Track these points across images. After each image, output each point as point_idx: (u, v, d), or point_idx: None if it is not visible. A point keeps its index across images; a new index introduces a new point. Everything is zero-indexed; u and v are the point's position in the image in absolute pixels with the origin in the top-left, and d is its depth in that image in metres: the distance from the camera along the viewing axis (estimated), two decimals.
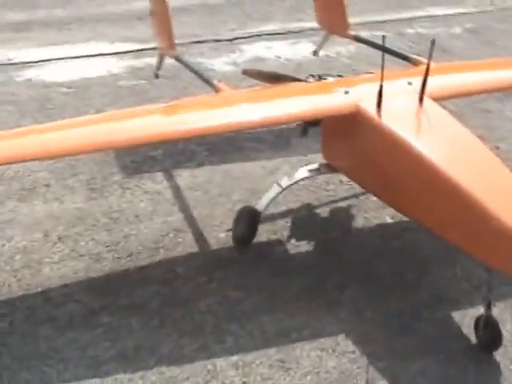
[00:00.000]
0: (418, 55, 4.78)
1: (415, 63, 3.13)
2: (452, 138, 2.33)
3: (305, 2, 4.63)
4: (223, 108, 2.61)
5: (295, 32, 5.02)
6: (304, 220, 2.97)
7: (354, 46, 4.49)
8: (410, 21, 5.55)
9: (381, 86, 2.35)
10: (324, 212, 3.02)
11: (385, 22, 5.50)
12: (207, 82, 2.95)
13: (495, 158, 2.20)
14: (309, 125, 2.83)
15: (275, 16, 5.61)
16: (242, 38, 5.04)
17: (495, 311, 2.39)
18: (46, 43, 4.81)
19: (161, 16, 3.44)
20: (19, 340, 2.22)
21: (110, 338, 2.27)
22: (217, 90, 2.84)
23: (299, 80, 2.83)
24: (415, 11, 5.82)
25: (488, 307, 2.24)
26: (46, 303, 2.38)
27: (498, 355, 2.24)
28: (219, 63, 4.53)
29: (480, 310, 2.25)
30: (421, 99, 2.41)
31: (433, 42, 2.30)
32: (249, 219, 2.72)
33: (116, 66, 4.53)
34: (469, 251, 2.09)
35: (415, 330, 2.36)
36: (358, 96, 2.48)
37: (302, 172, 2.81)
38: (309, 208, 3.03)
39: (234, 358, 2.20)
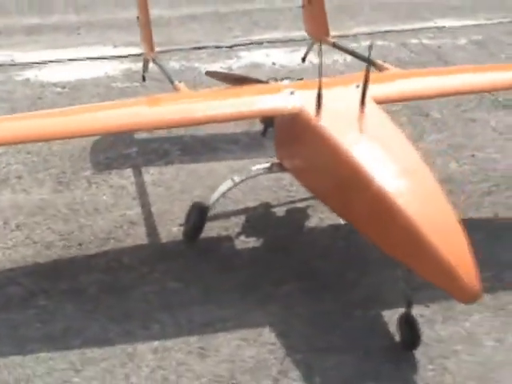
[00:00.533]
0: (420, 65, 4.82)
1: (380, 68, 3.17)
2: (383, 141, 2.37)
3: None
4: (174, 105, 2.72)
5: (296, 40, 5.08)
6: (258, 218, 3.03)
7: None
8: (416, 32, 5.54)
9: (319, 88, 2.42)
10: (280, 211, 3.06)
11: (390, 32, 5.50)
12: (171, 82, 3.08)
13: (422, 163, 2.23)
14: (268, 125, 2.91)
15: (281, 24, 5.68)
16: (243, 44, 5.13)
17: (428, 312, 2.42)
18: (53, 46, 5.00)
19: (142, 20, 3.57)
20: None
21: (43, 319, 2.37)
22: (176, 89, 2.95)
23: (261, 82, 2.92)
24: (424, 22, 5.81)
25: (408, 306, 2.24)
26: None
27: (419, 353, 2.24)
28: (214, 68, 4.63)
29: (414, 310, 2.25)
30: (362, 102, 2.45)
31: (370, 47, 2.37)
32: (197, 214, 2.79)
33: (114, 68, 4.68)
34: (390, 252, 2.12)
35: (343, 328, 2.38)
36: (302, 98, 2.54)
37: (255, 169, 2.88)
38: (266, 207, 3.08)
39: (155, 343, 2.27)
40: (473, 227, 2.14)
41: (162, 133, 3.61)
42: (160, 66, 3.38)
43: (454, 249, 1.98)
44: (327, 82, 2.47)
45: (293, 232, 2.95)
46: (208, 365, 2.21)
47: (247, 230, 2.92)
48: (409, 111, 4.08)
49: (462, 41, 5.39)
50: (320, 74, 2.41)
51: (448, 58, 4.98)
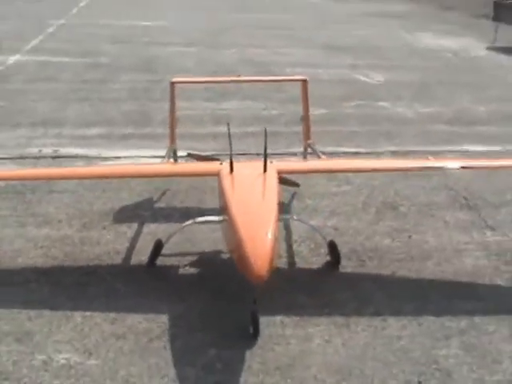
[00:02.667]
0: None
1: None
2: (252, 196, 3.57)
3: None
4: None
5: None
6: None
7: None
8: (438, 153, 6.45)
9: (230, 158, 3.71)
10: None
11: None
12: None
13: (268, 207, 3.44)
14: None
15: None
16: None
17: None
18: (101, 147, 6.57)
19: (170, 117, 5.11)
20: None
21: None
22: None
23: (212, 159, 4.31)
24: (451, 146, 6.75)
25: (254, 302, 3.30)
26: None
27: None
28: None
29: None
30: (265, 170, 3.70)
31: (265, 130, 3.68)
32: (154, 247, 4.09)
33: None
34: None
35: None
36: (226, 166, 3.83)
37: (203, 218, 4.12)
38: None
39: None
40: None
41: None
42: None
43: (257, 250, 3.08)
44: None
45: None
46: None
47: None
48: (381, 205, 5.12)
49: None
50: (230, 149, 3.70)
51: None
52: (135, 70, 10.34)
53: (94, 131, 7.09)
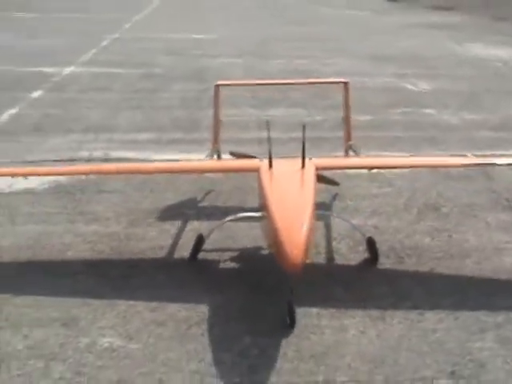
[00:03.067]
0: None
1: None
2: (289, 190, 3.68)
3: None
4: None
5: None
6: None
7: None
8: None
9: (269, 154, 3.82)
10: None
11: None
12: None
13: (305, 200, 3.53)
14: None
15: None
16: None
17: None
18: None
19: (214, 119, 5.25)
20: None
21: None
22: None
23: (253, 157, 4.42)
24: (496, 151, 6.70)
25: (290, 293, 3.41)
26: None
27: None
28: None
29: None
30: (303, 165, 3.81)
31: (303, 126, 3.79)
32: (196, 242, 4.23)
33: None
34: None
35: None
36: (266, 162, 3.95)
37: (243, 214, 4.24)
38: None
39: None
40: None
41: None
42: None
43: (292, 239, 3.17)
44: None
45: None
46: None
47: None
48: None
49: None
50: (269, 145, 3.82)
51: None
52: (186, 80, 10.59)
53: (144, 136, 7.31)
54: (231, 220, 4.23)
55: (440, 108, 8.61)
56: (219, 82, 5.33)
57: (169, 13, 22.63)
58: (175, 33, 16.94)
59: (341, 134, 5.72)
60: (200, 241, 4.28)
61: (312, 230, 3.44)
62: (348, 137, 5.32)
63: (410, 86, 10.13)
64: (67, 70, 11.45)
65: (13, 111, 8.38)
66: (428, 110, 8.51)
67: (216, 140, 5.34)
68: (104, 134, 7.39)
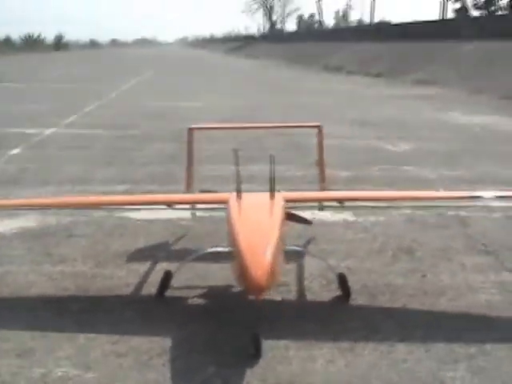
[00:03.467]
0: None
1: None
2: (257, 219, 3.65)
3: None
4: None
5: None
6: None
7: None
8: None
9: (238, 185, 3.79)
10: None
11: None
12: None
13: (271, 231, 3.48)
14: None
15: None
16: None
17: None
18: None
19: (187, 162, 5.22)
20: None
21: None
22: None
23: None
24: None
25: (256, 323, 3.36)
26: None
27: None
28: None
29: None
30: (271, 197, 3.78)
31: (271, 158, 3.77)
32: (163, 278, 4.15)
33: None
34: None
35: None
36: (234, 194, 3.92)
37: (212, 249, 4.18)
38: None
39: None
40: None
41: None
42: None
43: (256, 261, 3.12)
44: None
45: None
46: None
47: None
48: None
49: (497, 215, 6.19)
50: (238, 177, 3.80)
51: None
52: (164, 141, 10.63)
53: (119, 188, 7.26)
54: (199, 255, 4.14)
55: (418, 165, 8.67)
56: (192, 126, 5.34)
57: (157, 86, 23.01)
58: (160, 101, 17.16)
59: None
60: (167, 277, 4.19)
61: (277, 257, 3.36)
62: (322, 178, 5.31)
63: (389, 147, 10.23)
64: (48, 131, 11.50)
65: None
66: (406, 167, 8.56)
67: (189, 185, 5.30)
68: (79, 185, 7.34)
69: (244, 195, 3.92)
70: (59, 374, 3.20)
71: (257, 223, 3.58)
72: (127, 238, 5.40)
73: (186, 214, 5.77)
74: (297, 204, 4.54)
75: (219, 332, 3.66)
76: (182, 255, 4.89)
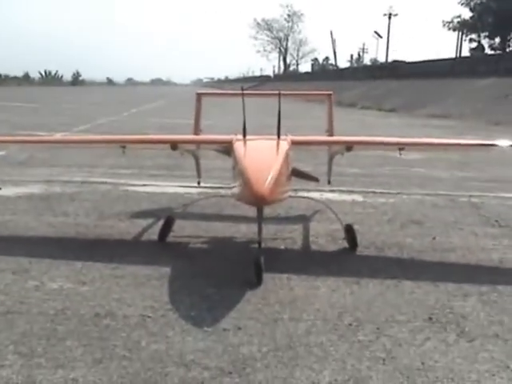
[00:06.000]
0: None
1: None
2: (263, 152, 3.65)
3: None
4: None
5: None
6: None
7: None
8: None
9: (244, 125, 3.78)
10: None
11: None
12: None
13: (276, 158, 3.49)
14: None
15: None
16: None
17: None
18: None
19: (194, 125, 5.19)
20: None
21: None
22: None
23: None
24: (486, 193, 6.62)
25: (258, 246, 3.38)
26: None
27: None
28: None
29: None
30: (278, 136, 3.76)
31: (279, 95, 3.75)
32: (165, 222, 4.12)
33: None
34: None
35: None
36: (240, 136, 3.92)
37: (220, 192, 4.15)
38: None
39: None
40: None
41: None
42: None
43: (259, 173, 3.11)
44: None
45: None
46: None
47: None
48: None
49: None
50: (244, 117, 3.78)
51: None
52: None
53: (128, 171, 7.25)
54: (203, 198, 4.10)
55: (430, 168, 8.60)
56: (200, 91, 5.34)
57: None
58: (171, 119, 17.31)
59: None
60: (169, 222, 4.15)
61: (280, 178, 3.33)
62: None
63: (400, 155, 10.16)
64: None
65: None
66: (417, 169, 8.49)
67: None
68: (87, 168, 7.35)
69: (249, 137, 3.91)
70: (54, 286, 3.14)
71: (261, 155, 3.59)
72: (132, 203, 5.36)
73: (192, 190, 5.79)
74: (303, 146, 4.47)
75: (220, 263, 3.63)
76: (184, 216, 4.85)
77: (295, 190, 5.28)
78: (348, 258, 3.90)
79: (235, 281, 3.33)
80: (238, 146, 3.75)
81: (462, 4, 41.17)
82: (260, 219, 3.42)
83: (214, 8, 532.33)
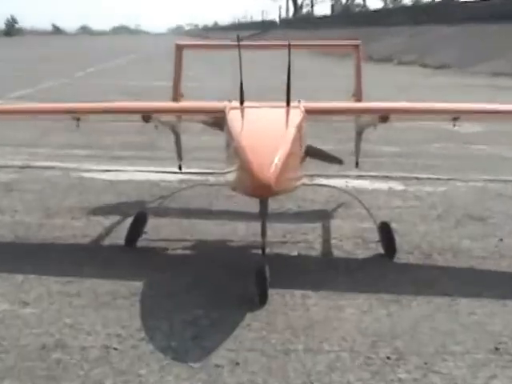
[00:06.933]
0: None
1: None
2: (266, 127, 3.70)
3: None
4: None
5: None
6: None
7: None
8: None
9: (241, 88, 3.83)
10: None
11: None
12: None
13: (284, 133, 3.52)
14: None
15: None
16: None
17: None
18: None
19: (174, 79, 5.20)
20: None
21: None
22: None
23: None
24: None
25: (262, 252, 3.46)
26: None
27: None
28: None
29: None
30: (287, 103, 3.84)
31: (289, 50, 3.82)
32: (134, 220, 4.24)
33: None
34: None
35: None
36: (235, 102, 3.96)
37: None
38: None
39: None
40: None
41: None
42: None
43: (262, 156, 3.19)
44: None
45: None
46: None
47: None
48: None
49: None
50: (241, 75, 3.80)
51: None
52: None
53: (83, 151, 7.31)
54: (188, 188, 4.16)
55: (495, 145, 8.61)
56: (180, 42, 5.33)
57: None
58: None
59: None
60: (140, 220, 4.20)
61: (290, 161, 3.36)
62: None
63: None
64: None
65: None
66: (476, 146, 8.50)
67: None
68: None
69: (249, 104, 3.92)
70: None
71: (265, 128, 3.62)
72: (89, 195, 5.41)
73: (171, 176, 5.84)
74: (319, 116, 4.49)
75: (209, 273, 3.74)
76: (160, 212, 4.85)
77: (311, 176, 5.31)
78: (383, 268, 3.93)
79: (230, 299, 3.36)
80: (234, 117, 3.76)
81: None
82: (264, 216, 3.43)
83: None
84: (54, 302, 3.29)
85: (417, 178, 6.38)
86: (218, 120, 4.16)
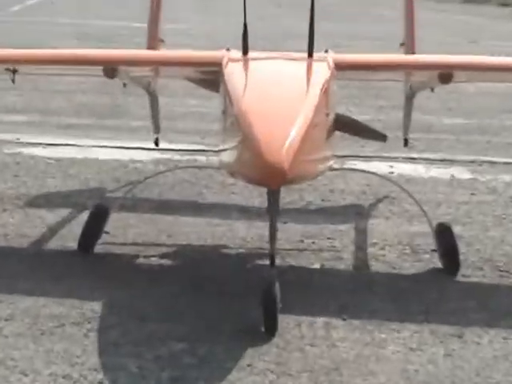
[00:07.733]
0: None
1: None
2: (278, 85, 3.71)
3: None
4: None
5: None
6: None
7: None
8: None
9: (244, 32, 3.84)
10: None
11: None
12: None
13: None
14: None
15: None
16: None
17: None
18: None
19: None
20: None
21: None
22: None
23: None
24: None
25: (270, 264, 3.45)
26: None
27: None
28: None
29: None
30: (309, 54, 3.88)
31: None
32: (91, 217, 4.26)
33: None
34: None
35: None
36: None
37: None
38: None
39: None
40: None
41: None
42: None
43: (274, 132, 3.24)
44: None
45: None
46: None
47: None
48: None
49: None
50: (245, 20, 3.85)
51: None
52: None
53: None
54: (169, 171, 4.20)
55: None
56: None
57: None
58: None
59: None
60: (99, 216, 4.21)
61: (315, 140, 3.44)
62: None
63: None
64: None
65: None
66: None
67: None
68: None
69: (255, 54, 3.88)
70: None
71: (278, 88, 3.60)
72: (28, 179, 5.44)
73: (144, 154, 5.87)
74: (354, 73, 4.51)
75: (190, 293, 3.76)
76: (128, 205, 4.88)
77: (341, 158, 5.32)
78: (441, 289, 3.94)
79: (224, 328, 3.37)
80: (234, 72, 3.74)
81: None
82: (274, 213, 3.43)
83: None
84: None
85: (490, 163, 6.40)
86: (211, 77, 4.16)
